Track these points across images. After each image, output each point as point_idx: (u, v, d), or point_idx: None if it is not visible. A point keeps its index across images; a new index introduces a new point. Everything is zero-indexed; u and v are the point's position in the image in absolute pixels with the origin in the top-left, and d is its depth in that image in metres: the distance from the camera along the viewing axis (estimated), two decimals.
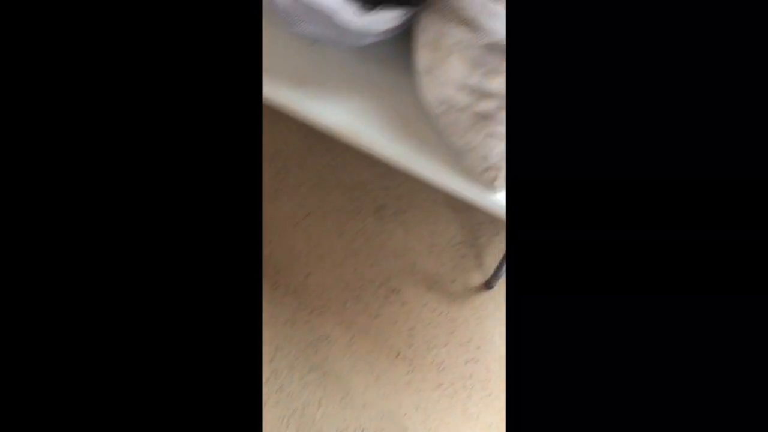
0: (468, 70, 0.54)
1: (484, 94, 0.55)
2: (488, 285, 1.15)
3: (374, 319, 1.13)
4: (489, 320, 1.13)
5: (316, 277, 1.17)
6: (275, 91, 0.68)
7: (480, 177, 0.62)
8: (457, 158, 0.62)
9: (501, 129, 0.57)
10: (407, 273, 1.18)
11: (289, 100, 0.67)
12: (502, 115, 0.56)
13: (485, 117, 0.57)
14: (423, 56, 0.60)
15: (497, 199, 0.62)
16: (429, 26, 0.56)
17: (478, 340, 1.11)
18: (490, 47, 0.52)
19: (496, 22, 0.49)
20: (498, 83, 0.53)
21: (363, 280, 1.17)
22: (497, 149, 0.58)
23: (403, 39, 0.64)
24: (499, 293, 1.16)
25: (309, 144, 1.27)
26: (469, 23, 0.52)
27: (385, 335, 1.12)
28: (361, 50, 0.68)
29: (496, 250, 1.18)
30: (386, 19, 0.59)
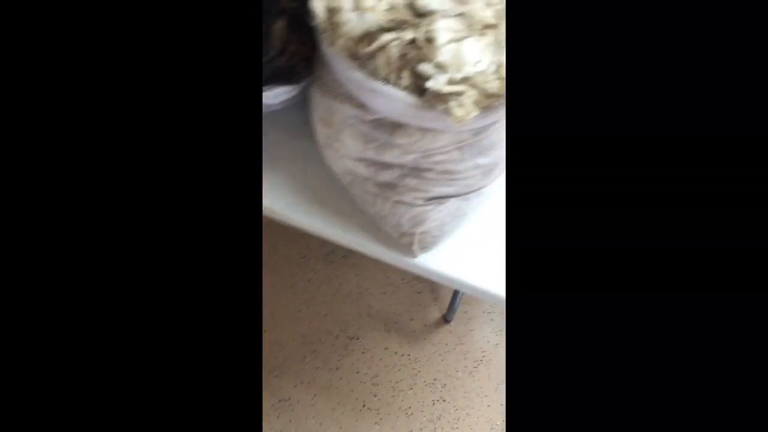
0: (361, 144, 0.52)
1: (383, 166, 0.53)
2: (446, 319, 1.13)
3: (335, 371, 1.09)
4: (451, 355, 1.11)
5: (270, 334, 1.13)
6: None
7: (398, 243, 0.60)
8: (377, 224, 0.61)
9: (407, 197, 0.55)
10: (364, 317, 1.15)
11: None
12: (406, 183, 0.54)
13: (389, 186, 0.55)
14: (319, 131, 0.58)
15: (421, 263, 0.60)
16: (319, 102, 0.54)
17: (443, 379, 1.09)
18: (377, 123, 0.50)
19: (375, 100, 0.48)
20: (393, 155, 0.52)
21: (320, 331, 1.14)
22: (407, 215, 0.56)
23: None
24: (457, 325, 1.14)
25: None
26: (352, 100, 0.50)
27: (348, 387, 1.08)
28: (271, 116, 0.65)
29: None
30: (276, 93, 0.57)
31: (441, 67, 0.43)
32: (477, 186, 0.57)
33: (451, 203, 0.57)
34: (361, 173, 0.56)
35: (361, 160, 0.55)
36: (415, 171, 0.54)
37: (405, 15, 0.46)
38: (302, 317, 1.14)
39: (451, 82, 0.43)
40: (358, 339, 1.13)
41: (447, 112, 0.44)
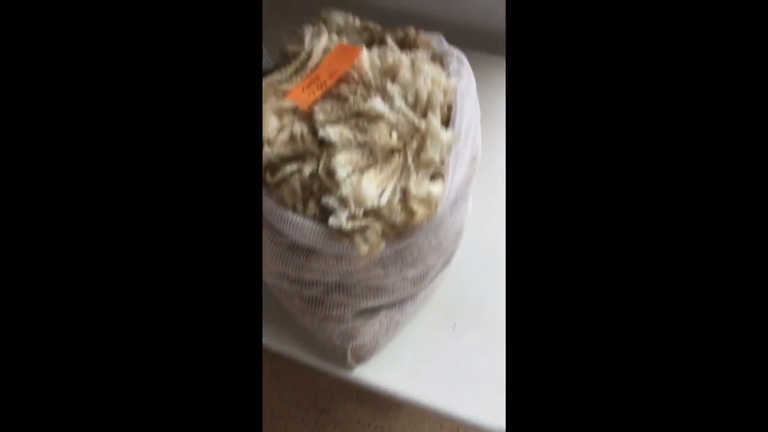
0: (281, 264, 0.50)
1: (305, 283, 0.51)
2: None
3: None
4: (426, 424, 1.07)
5: None
6: None
7: (333, 355, 0.58)
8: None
9: (335, 312, 0.52)
10: (334, 388, 1.11)
11: None
12: (332, 299, 0.52)
13: (315, 301, 0.53)
14: None
15: (360, 376, 0.56)
16: None
17: None
18: (293, 247, 0.48)
19: (286, 227, 0.46)
20: (313, 276, 0.49)
21: (290, 405, 1.10)
22: (337, 331, 0.54)
23: None
24: None
25: None
26: (266, 224, 0.48)
27: None
28: None
29: None
30: None
31: (343, 202, 0.41)
32: (409, 294, 0.55)
33: (383, 314, 0.55)
34: (286, 288, 0.54)
35: (283, 276, 0.52)
36: (340, 287, 0.51)
37: (306, 145, 0.44)
38: (272, 390, 1.11)
39: (352, 217, 0.41)
40: (328, 412, 1.09)
41: (352, 246, 0.42)
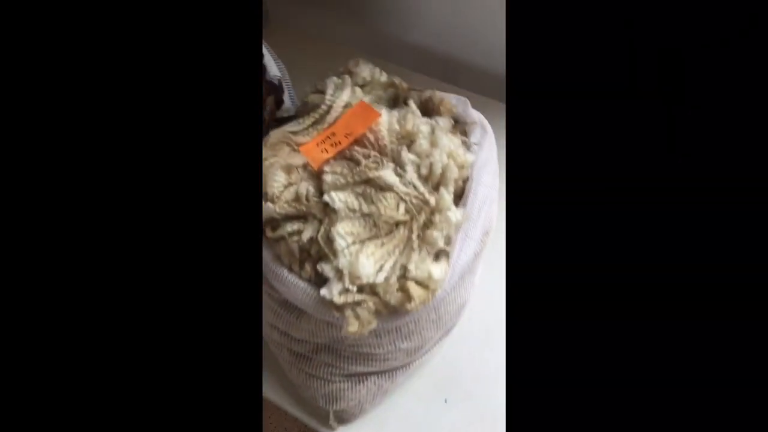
0: (272, 317, 0.49)
1: (294, 339, 0.50)
2: None
3: None
4: None
5: None
6: None
7: (316, 413, 0.55)
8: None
9: (322, 372, 0.50)
10: None
11: None
12: (321, 358, 0.50)
13: (303, 357, 0.51)
14: None
15: None
16: None
17: None
18: (285, 303, 0.47)
19: (280, 284, 0.45)
20: (302, 334, 0.48)
21: None
22: (322, 390, 0.51)
23: None
24: None
25: None
26: (263, 277, 0.47)
27: None
28: None
29: None
30: None
31: (338, 273, 0.40)
32: (402, 364, 0.53)
33: (372, 381, 0.52)
34: (275, 338, 0.52)
35: (273, 327, 0.51)
36: (329, 349, 0.50)
37: (310, 207, 0.43)
38: None
39: (345, 291, 0.39)
40: None
41: (342, 319, 0.41)
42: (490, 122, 0.52)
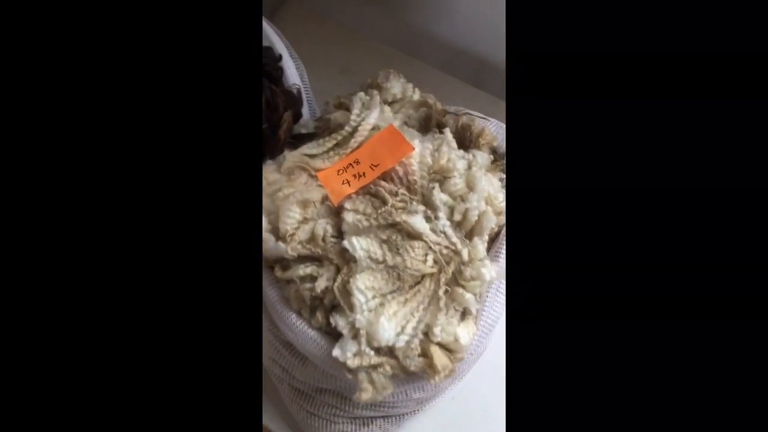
0: (273, 353, 0.45)
1: (296, 378, 0.46)
2: None
3: None
4: None
5: None
6: None
7: None
8: None
9: (323, 412, 0.46)
10: None
11: None
12: (323, 398, 0.46)
13: (304, 395, 0.47)
14: None
15: None
16: None
17: None
18: (289, 346, 0.42)
19: (286, 328, 0.39)
20: (306, 377, 0.44)
21: None
22: (324, 431, 0.48)
23: None
24: None
25: None
26: (267, 314, 0.42)
27: None
28: None
29: None
30: None
31: (353, 332, 0.35)
32: (410, 411, 0.49)
33: (377, 425, 0.49)
34: (276, 372, 0.48)
35: (274, 361, 0.47)
36: (334, 392, 0.46)
37: (327, 250, 0.38)
38: None
39: (360, 354, 0.35)
40: None
41: (354, 381, 0.36)
42: None
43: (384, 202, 0.39)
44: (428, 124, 0.47)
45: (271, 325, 0.42)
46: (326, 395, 0.46)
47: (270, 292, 0.40)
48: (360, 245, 0.36)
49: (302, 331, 0.39)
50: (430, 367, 0.35)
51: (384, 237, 0.37)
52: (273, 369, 0.48)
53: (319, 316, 0.37)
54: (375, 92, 0.45)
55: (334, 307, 0.37)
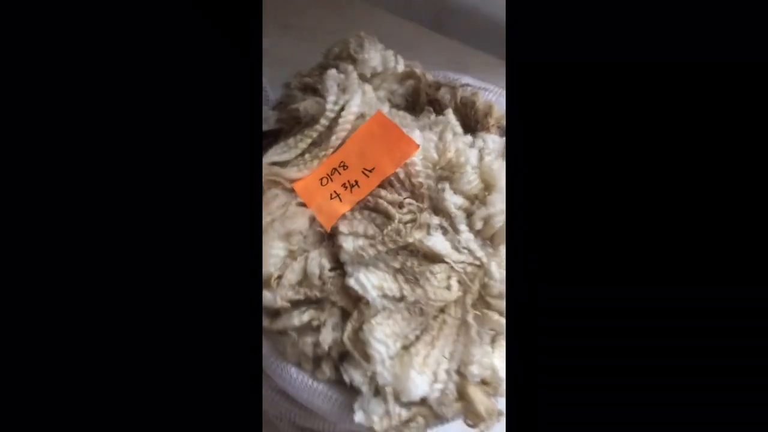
0: (268, 402, 0.38)
1: (294, 423, 0.39)
2: None
3: None
4: None
5: None
6: None
7: None
8: None
9: None
10: None
11: None
12: None
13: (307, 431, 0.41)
14: None
15: None
16: None
17: None
18: (286, 396, 0.35)
19: (285, 383, 0.32)
20: (312, 424, 0.37)
21: None
22: None
23: None
24: None
25: None
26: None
27: None
28: None
29: None
30: None
31: (377, 390, 0.29)
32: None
33: None
34: (272, 413, 0.42)
35: (270, 406, 0.40)
36: None
37: (326, 290, 0.30)
38: None
39: (388, 415, 0.29)
40: None
41: None
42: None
43: (388, 217, 0.31)
44: (417, 101, 0.38)
45: (267, 378, 0.35)
46: None
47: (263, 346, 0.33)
48: (371, 283, 0.28)
49: (306, 385, 0.32)
50: (471, 413, 0.30)
51: (397, 265, 0.30)
52: (270, 410, 0.42)
53: (326, 369, 0.31)
54: (350, 68, 0.35)
55: (344, 356, 0.31)
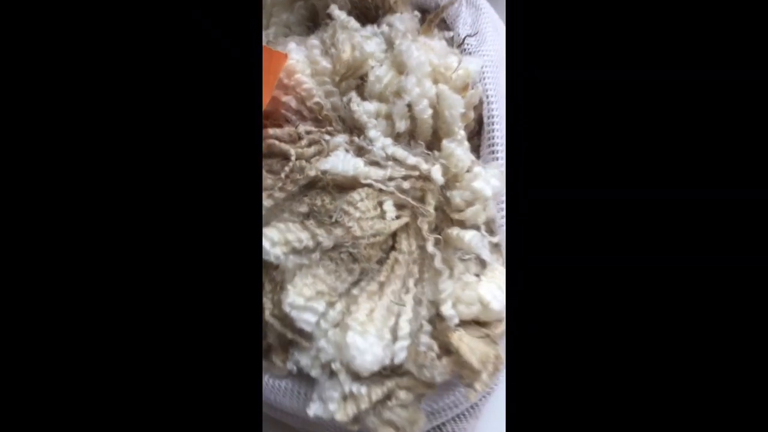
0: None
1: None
2: None
3: None
4: None
5: None
6: None
7: None
8: None
9: None
10: None
11: None
12: None
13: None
14: None
15: None
16: None
17: None
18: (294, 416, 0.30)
19: None
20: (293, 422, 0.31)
21: None
22: None
23: None
24: None
25: None
26: None
27: None
28: None
29: None
30: None
31: (324, 369, 0.21)
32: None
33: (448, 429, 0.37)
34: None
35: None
36: None
37: None
38: None
39: (351, 397, 0.21)
40: None
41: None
42: None
43: (286, 157, 0.25)
44: (316, 20, 0.32)
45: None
46: None
47: None
48: (272, 239, 0.22)
49: (269, 386, 0.26)
50: (463, 367, 0.22)
51: (304, 209, 0.23)
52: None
53: (277, 360, 0.25)
54: None
55: (288, 343, 0.25)
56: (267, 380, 0.26)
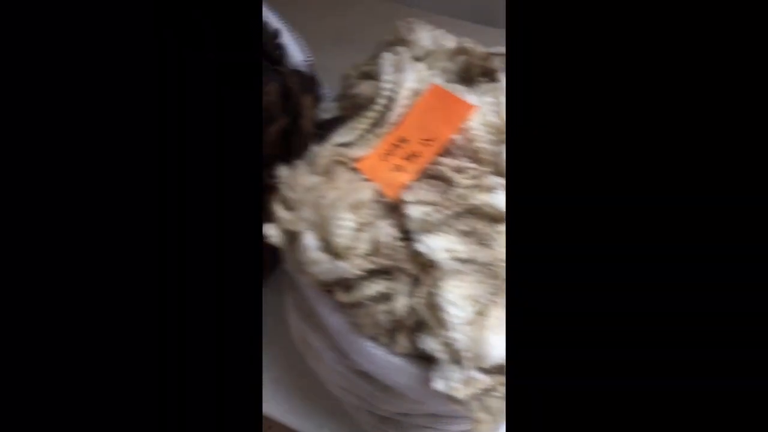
0: (348, 383, 0.38)
1: (377, 407, 0.39)
2: None
3: None
4: None
5: None
6: None
7: None
8: None
9: None
10: None
11: None
12: (413, 421, 0.40)
13: (386, 420, 0.41)
14: (299, 345, 0.42)
15: None
16: (294, 323, 0.40)
17: None
18: (366, 376, 0.35)
19: (362, 359, 0.32)
20: (392, 407, 0.37)
21: None
22: None
23: None
24: None
25: None
26: (333, 342, 0.35)
27: None
28: None
29: None
30: None
31: (454, 355, 0.28)
32: None
33: None
34: (352, 402, 0.42)
35: (348, 391, 0.41)
36: (428, 414, 0.40)
37: (397, 259, 0.30)
38: None
39: (469, 381, 0.28)
40: None
41: (465, 412, 0.30)
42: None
43: (449, 183, 0.31)
44: (470, 75, 0.39)
45: (341, 355, 0.36)
46: (418, 418, 0.40)
47: (334, 320, 0.33)
48: (437, 245, 0.28)
49: (384, 360, 0.32)
50: None
51: (464, 228, 0.29)
52: (347, 398, 0.42)
53: (402, 340, 0.31)
54: (403, 49, 0.37)
55: (420, 326, 0.30)
56: (385, 356, 0.31)
